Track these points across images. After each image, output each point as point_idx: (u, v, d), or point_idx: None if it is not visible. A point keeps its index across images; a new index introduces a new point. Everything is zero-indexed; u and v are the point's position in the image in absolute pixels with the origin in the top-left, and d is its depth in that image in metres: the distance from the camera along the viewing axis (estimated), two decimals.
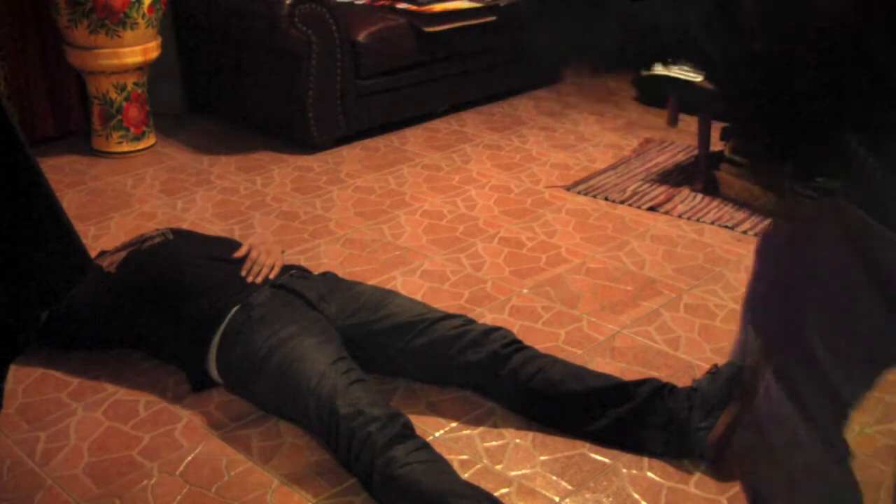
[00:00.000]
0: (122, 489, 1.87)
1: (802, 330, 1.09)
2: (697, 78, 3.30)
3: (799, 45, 0.96)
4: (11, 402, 2.13)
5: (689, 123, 3.69)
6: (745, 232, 2.98)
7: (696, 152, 3.43)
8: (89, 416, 2.11)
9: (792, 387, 1.14)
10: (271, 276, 2.26)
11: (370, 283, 2.49)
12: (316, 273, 2.41)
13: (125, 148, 3.71)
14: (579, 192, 3.31)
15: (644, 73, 4.23)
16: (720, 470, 1.90)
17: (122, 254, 2.33)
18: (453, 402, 2.13)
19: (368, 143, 3.83)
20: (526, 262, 2.80)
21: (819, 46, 0.96)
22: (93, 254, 2.32)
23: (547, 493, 1.85)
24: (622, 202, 3.22)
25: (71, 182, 3.46)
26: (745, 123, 1.07)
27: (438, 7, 3.92)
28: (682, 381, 2.04)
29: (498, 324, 2.22)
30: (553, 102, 4.37)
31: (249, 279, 2.23)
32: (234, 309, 2.13)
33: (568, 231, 3.01)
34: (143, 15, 3.50)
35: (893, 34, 0.94)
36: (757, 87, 1.01)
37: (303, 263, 2.65)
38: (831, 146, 0.98)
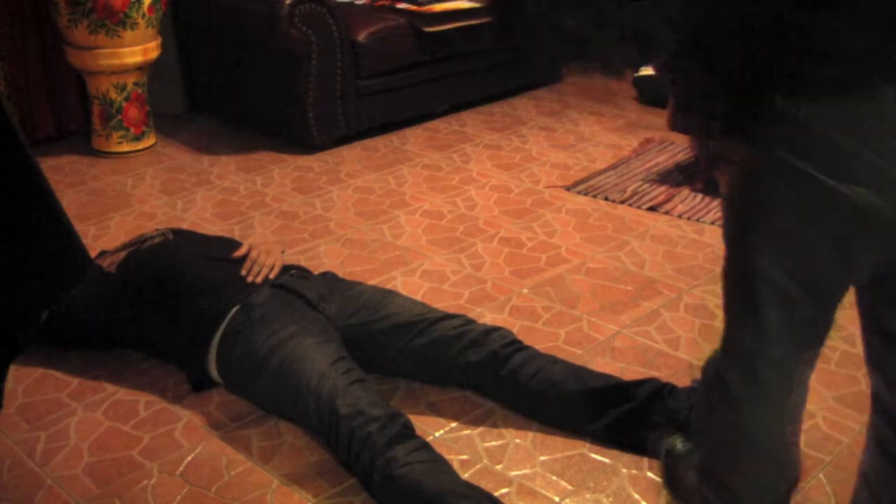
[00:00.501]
0: (122, 489, 1.87)
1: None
2: None
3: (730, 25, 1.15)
4: (11, 402, 2.13)
5: None
6: None
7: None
8: (89, 416, 2.11)
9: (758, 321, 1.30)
10: (271, 276, 2.26)
11: (370, 283, 2.49)
12: (316, 273, 2.41)
13: (125, 148, 3.71)
14: (579, 192, 3.31)
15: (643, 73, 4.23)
16: None
17: (122, 254, 2.33)
18: (453, 402, 2.13)
19: (368, 143, 3.83)
20: (526, 262, 2.80)
21: (748, 24, 1.13)
22: (93, 254, 2.32)
23: (547, 493, 1.85)
24: (622, 202, 3.22)
25: (71, 182, 3.46)
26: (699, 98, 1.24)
27: (438, 7, 3.92)
28: (682, 381, 2.04)
29: (498, 324, 2.23)
30: (553, 102, 4.37)
31: (249, 279, 2.23)
32: (234, 309, 2.13)
33: (568, 231, 3.01)
34: (143, 15, 3.50)
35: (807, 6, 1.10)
36: (706, 64, 1.18)
37: (303, 263, 2.65)
38: (765, 108, 1.14)
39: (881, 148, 1.11)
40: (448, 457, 1.84)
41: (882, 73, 1.08)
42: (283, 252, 2.48)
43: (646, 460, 1.92)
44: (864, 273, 1.28)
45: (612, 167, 3.54)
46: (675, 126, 1.35)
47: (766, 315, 1.32)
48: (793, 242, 1.25)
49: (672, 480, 1.74)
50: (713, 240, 2.92)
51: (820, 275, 1.28)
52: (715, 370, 1.46)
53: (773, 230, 1.26)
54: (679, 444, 1.76)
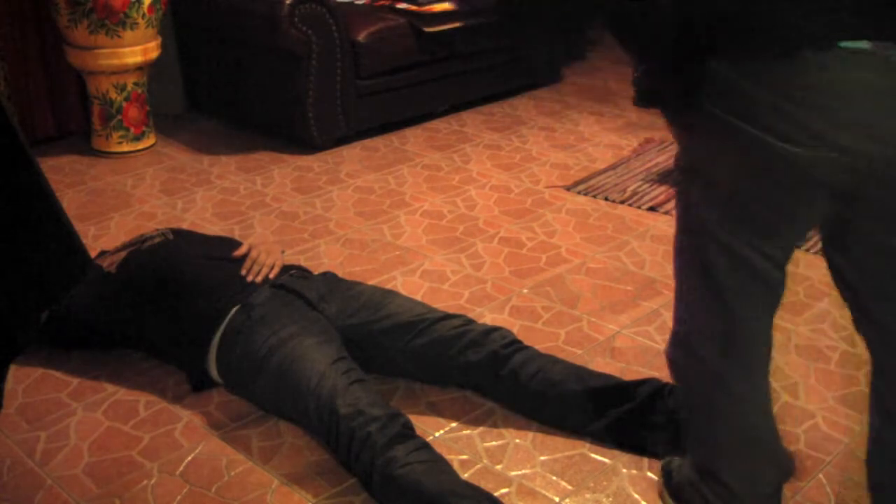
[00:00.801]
0: (122, 489, 1.87)
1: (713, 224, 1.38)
2: None
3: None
4: (11, 402, 2.13)
5: None
6: None
7: None
8: (89, 416, 2.11)
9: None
10: (271, 276, 2.26)
11: (370, 283, 2.49)
12: (316, 273, 2.41)
13: (125, 148, 3.71)
14: (579, 192, 3.31)
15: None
16: None
17: (122, 254, 2.33)
18: (453, 402, 2.13)
19: (368, 143, 3.83)
20: (526, 262, 2.80)
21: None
22: (93, 254, 2.32)
23: (547, 493, 1.85)
24: (622, 202, 3.22)
25: (71, 182, 3.46)
26: (652, 73, 1.36)
27: (438, 7, 3.92)
28: None
29: (498, 324, 2.22)
30: (553, 102, 4.37)
31: (249, 278, 2.23)
32: (234, 309, 2.13)
33: (568, 231, 3.01)
34: (143, 15, 3.50)
35: None
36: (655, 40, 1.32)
37: (303, 263, 2.65)
38: (700, 72, 1.27)
39: (807, 107, 1.22)
40: (448, 457, 1.84)
41: (805, 41, 1.19)
42: (283, 252, 2.48)
43: (646, 460, 1.92)
44: (817, 230, 1.40)
45: (612, 167, 3.54)
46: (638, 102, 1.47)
47: (731, 287, 1.40)
48: (747, 209, 1.34)
49: (671, 486, 1.76)
50: None
51: (771, 235, 1.37)
52: (703, 361, 1.51)
53: (726, 198, 1.35)
54: (677, 460, 1.78)
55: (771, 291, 1.44)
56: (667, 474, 1.80)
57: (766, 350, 1.51)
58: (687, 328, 1.53)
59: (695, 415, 1.64)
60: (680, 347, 1.56)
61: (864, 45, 1.18)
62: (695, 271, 1.45)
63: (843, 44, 1.18)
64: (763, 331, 1.49)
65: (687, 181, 1.42)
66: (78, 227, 1.51)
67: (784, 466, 1.63)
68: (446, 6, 3.94)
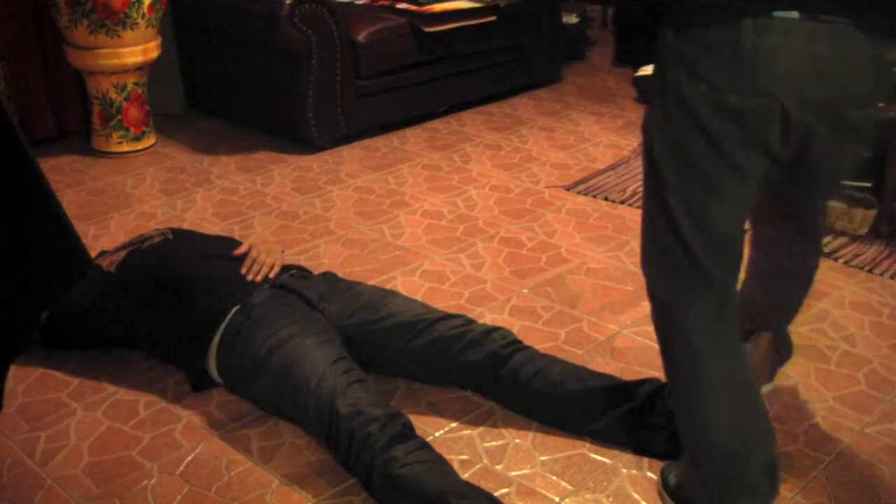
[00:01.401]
0: (122, 489, 1.87)
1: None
2: None
3: None
4: (11, 402, 2.14)
5: None
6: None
7: None
8: (89, 416, 2.11)
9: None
10: (271, 276, 2.26)
11: (370, 283, 2.49)
12: (316, 273, 2.41)
13: (125, 148, 3.71)
14: (579, 192, 3.31)
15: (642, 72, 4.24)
16: None
17: (122, 254, 2.34)
18: (453, 402, 2.13)
19: (368, 143, 3.83)
20: (526, 262, 2.80)
21: None
22: (93, 254, 2.32)
23: (547, 493, 1.85)
24: (622, 202, 3.22)
25: (71, 182, 3.46)
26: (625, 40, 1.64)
27: (438, 7, 3.92)
28: None
29: (498, 324, 2.23)
30: (553, 102, 4.37)
31: (249, 278, 2.23)
32: (234, 309, 2.13)
33: (568, 231, 3.01)
34: (143, 15, 3.50)
35: None
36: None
37: (303, 263, 2.65)
38: (656, 39, 1.50)
39: (747, 64, 1.42)
40: (448, 457, 1.84)
41: (746, 12, 1.41)
42: (283, 252, 2.48)
43: (646, 460, 1.92)
44: (758, 177, 1.54)
45: (612, 167, 3.54)
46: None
47: (690, 237, 1.54)
48: (692, 160, 1.50)
49: (670, 488, 1.77)
50: None
51: (718, 189, 1.52)
52: (673, 313, 1.63)
53: (675, 149, 1.51)
54: (675, 464, 1.80)
55: (728, 249, 1.57)
56: (665, 477, 1.81)
57: (731, 300, 1.61)
58: (654, 280, 1.66)
59: (676, 383, 1.67)
60: (654, 305, 1.68)
61: (794, 14, 1.39)
62: (657, 222, 1.59)
63: (777, 13, 1.39)
64: (727, 283, 1.60)
65: (647, 137, 1.58)
66: (78, 227, 1.51)
67: (768, 428, 1.66)
68: (446, 6, 3.94)
